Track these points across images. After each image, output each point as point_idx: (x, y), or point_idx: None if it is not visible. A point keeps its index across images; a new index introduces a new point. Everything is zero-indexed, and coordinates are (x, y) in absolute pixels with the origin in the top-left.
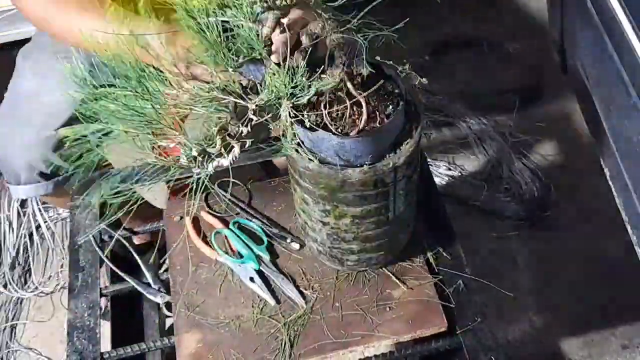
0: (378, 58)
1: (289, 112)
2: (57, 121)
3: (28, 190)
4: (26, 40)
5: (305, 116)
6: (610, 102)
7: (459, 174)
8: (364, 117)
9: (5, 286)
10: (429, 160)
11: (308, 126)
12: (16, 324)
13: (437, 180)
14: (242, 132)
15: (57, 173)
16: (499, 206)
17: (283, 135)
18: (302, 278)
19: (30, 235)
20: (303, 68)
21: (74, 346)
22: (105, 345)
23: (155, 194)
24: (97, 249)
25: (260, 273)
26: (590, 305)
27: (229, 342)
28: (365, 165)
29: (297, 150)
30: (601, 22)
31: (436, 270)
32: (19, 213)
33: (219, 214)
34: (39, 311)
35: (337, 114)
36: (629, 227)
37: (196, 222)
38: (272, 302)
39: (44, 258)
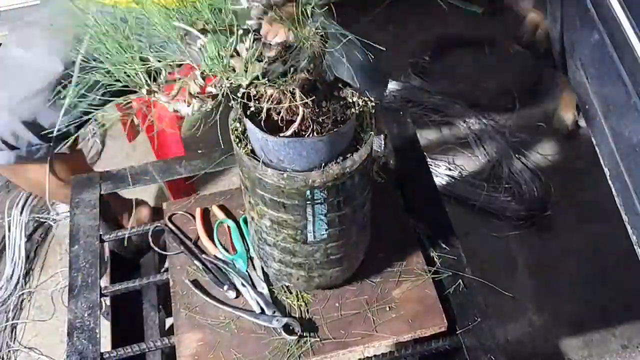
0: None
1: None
2: (30, 92)
3: None
4: None
5: (252, 104)
6: (610, 102)
7: (459, 174)
8: (297, 122)
9: (6, 290)
10: (429, 160)
11: (248, 113)
12: (16, 323)
13: (437, 180)
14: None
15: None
16: (499, 206)
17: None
18: None
19: (30, 235)
20: (254, 50)
21: (74, 346)
22: (106, 345)
23: (151, 194)
24: (97, 249)
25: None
26: (590, 305)
27: (229, 342)
28: (286, 172)
29: (234, 132)
30: (601, 22)
31: (436, 270)
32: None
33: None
34: (39, 311)
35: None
36: (629, 227)
37: (205, 216)
38: (257, 310)
39: (43, 258)
